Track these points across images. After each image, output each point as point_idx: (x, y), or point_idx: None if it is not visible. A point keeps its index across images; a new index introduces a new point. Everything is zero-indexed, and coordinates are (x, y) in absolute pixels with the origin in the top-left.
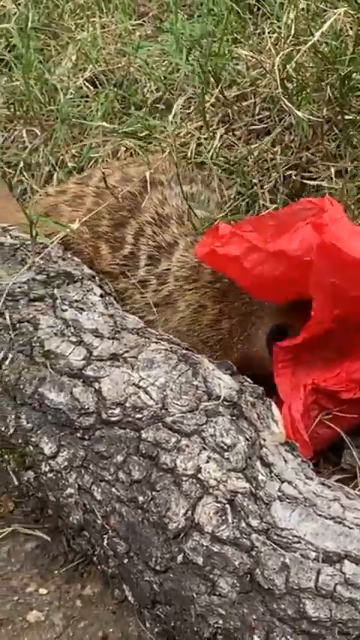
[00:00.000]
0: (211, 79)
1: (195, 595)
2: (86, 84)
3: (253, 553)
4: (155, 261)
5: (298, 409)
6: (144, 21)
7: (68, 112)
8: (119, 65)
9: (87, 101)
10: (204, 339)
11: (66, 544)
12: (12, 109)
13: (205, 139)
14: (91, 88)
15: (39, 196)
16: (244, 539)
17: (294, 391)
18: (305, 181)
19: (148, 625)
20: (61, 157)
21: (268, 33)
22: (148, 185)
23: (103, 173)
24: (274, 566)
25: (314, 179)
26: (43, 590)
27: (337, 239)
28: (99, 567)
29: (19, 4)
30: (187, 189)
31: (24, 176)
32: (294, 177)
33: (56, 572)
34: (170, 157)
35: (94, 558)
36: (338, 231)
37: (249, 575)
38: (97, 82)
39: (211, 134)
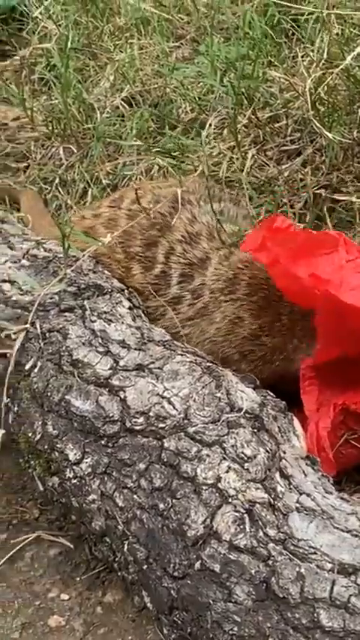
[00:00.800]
0: (245, 100)
1: (211, 602)
2: (122, 103)
3: (270, 562)
4: (188, 278)
5: (326, 427)
6: (181, 43)
7: (104, 131)
8: (155, 86)
9: (123, 120)
10: (242, 352)
11: (88, 552)
12: (50, 127)
13: (237, 158)
14: (127, 107)
15: (75, 219)
16: (261, 549)
17: (321, 408)
18: (336, 198)
19: (165, 631)
20: (95, 174)
21: (302, 57)
22: (179, 204)
23: (137, 194)
24: (289, 576)
25: (344, 200)
26: (64, 596)
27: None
28: (119, 574)
29: (59, 24)
30: (216, 207)
31: (59, 192)
32: (324, 197)
33: (78, 579)
34: (200, 176)
35: (115, 564)
36: (346, 276)
37: (265, 584)
38: (133, 102)
39: (243, 154)
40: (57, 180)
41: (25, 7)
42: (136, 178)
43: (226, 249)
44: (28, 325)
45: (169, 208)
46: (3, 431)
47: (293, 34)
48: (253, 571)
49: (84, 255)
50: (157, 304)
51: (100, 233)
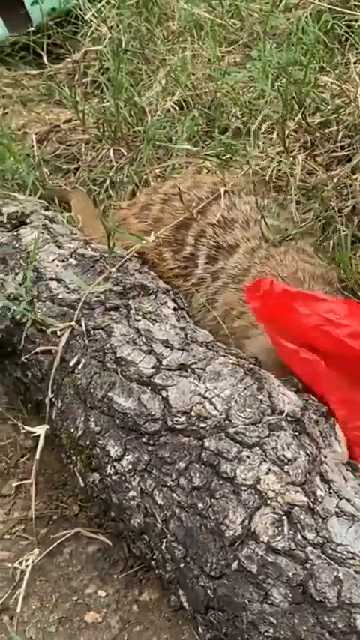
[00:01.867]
0: (295, 105)
1: (247, 602)
2: (173, 106)
3: (307, 565)
4: (213, 260)
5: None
6: (233, 48)
7: (154, 134)
8: (207, 90)
9: (173, 124)
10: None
11: (126, 549)
12: (101, 130)
13: (285, 163)
14: (178, 110)
15: (113, 210)
16: (299, 551)
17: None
18: None
19: (200, 631)
20: (144, 177)
21: (355, 63)
22: (222, 195)
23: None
24: (327, 580)
25: None
26: (101, 593)
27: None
28: (157, 572)
29: (113, 28)
30: (260, 201)
31: (109, 194)
32: None
33: (115, 576)
34: (247, 175)
35: (153, 562)
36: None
37: (302, 587)
38: (184, 105)
39: (292, 159)
40: (106, 182)
41: (81, 10)
42: None
43: (256, 242)
44: (73, 323)
45: (207, 193)
46: (46, 426)
47: (347, 39)
48: (290, 573)
49: (128, 254)
50: (186, 288)
51: (130, 223)
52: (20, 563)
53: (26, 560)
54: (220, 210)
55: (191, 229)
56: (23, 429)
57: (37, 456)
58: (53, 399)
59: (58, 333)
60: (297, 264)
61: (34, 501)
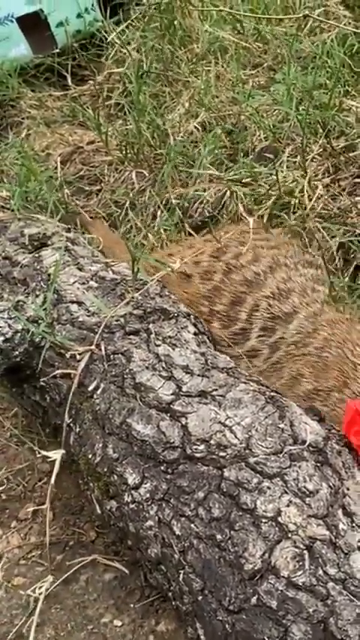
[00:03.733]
0: (320, 129)
1: (266, 638)
2: (196, 126)
3: (329, 602)
4: (269, 332)
5: None
6: (258, 71)
7: (176, 156)
8: (230, 112)
9: (196, 146)
10: None
11: (143, 579)
12: (124, 152)
13: (310, 187)
14: (201, 131)
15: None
16: (320, 587)
17: None
18: None
19: None
20: (166, 199)
21: None
22: (276, 265)
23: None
24: (348, 617)
25: None
26: (117, 622)
27: None
28: (174, 603)
29: (135, 49)
30: (313, 273)
31: (130, 215)
32: None
33: (132, 605)
34: (296, 240)
35: (170, 593)
36: None
37: (322, 624)
38: (208, 128)
39: (315, 185)
40: (128, 204)
41: (105, 33)
42: (206, 203)
43: (317, 307)
44: (93, 347)
45: (265, 267)
46: (62, 451)
47: None
48: (311, 610)
49: (152, 280)
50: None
51: (195, 282)
52: (33, 590)
53: (39, 588)
54: (276, 283)
55: (245, 304)
56: (39, 453)
57: (52, 481)
58: (71, 424)
59: (77, 357)
60: None
61: (50, 527)
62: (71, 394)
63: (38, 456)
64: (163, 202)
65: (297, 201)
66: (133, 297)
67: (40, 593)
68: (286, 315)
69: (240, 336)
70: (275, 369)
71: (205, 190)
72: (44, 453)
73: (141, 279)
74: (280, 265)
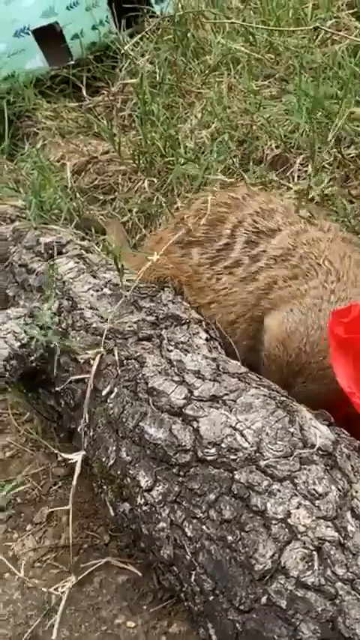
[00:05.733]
0: (330, 137)
1: (276, 637)
2: (207, 135)
3: (337, 601)
4: (252, 245)
5: None
6: (270, 82)
7: (186, 162)
8: (242, 122)
9: (207, 154)
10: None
11: (156, 581)
12: (137, 161)
13: (319, 195)
14: (212, 140)
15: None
16: (329, 587)
17: None
18: None
19: None
20: (176, 206)
21: None
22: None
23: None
24: (356, 616)
25: None
26: (130, 624)
27: None
28: (186, 604)
29: (149, 60)
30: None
31: (142, 223)
32: None
33: (145, 607)
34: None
35: (182, 594)
36: None
37: (331, 623)
38: (218, 138)
39: (322, 191)
40: (141, 213)
41: (119, 45)
42: None
43: (300, 226)
44: (101, 349)
45: (242, 194)
46: (82, 452)
47: None
48: (319, 609)
49: (139, 274)
50: (210, 274)
51: (164, 239)
52: (56, 589)
53: (62, 587)
54: (258, 203)
55: (227, 223)
56: (60, 456)
57: (75, 481)
58: (85, 428)
59: (91, 361)
60: (345, 250)
61: (65, 530)
62: (87, 398)
63: (59, 459)
64: (172, 209)
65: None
66: (126, 297)
67: (62, 592)
68: (270, 230)
69: (223, 252)
70: (253, 276)
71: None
72: (65, 455)
73: (153, 285)
74: (256, 193)
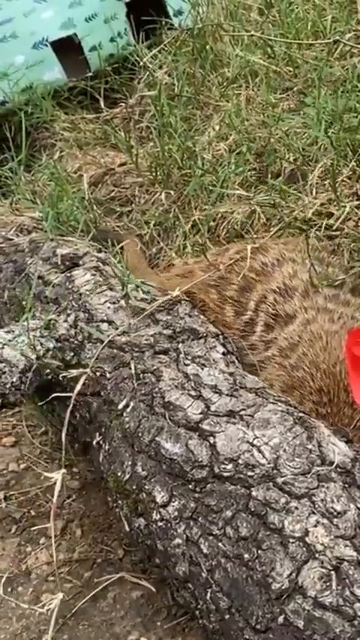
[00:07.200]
0: (349, 152)
1: None
2: (225, 147)
3: (355, 622)
4: (269, 329)
5: None
6: (288, 95)
7: (204, 178)
8: (260, 135)
9: (225, 167)
10: None
11: (170, 597)
12: (154, 174)
13: (337, 209)
14: (230, 152)
15: (178, 262)
16: (347, 608)
17: None
18: None
19: None
20: (193, 219)
21: None
22: (282, 258)
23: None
24: None
25: None
26: None
27: None
28: (200, 622)
29: (167, 73)
30: (319, 269)
31: (159, 236)
32: None
33: (159, 623)
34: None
35: (197, 612)
36: None
37: None
38: (236, 151)
39: (344, 207)
40: (158, 225)
41: (138, 57)
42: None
43: (312, 314)
44: (87, 370)
45: (272, 260)
46: (63, 471)
47: None
48: (337, 630)
49: (152, 307)
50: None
51: (197, 275)
52: (43, 606)
53: (50, 604)
54: (282, 277)
55: (254, 293)
56: (41, 475)
57: (55, 499)
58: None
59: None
60: (338, 354)
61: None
62: (66, 418)
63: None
64: (189, 222)
65: (324, 222)
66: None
67: (47, 610)
68: (287, 316)
69: (249, 327)
70: (259, 367)
71: (233, 212)
72: (46, 474)
73: (170, 300)
74: (286, 260)
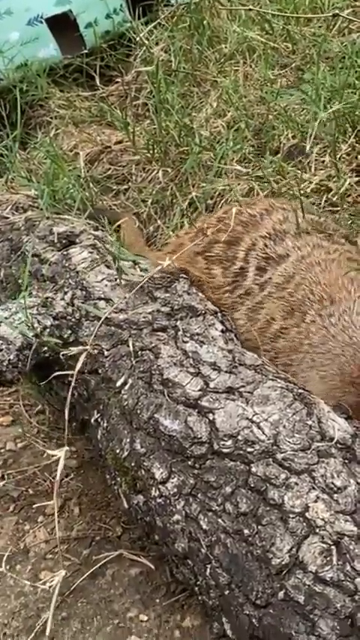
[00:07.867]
0: (348, 127)
1: (294, 633)
2: (223, 124)
3: (356, 597)
4: (261, 272)
5: None
6: (286, 71)
7: (202, 154)
8: (258, 112)
9: (223, 144)
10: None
11: (169, 574)
12: (151, 151)
13: (336, 186)
14: (228, 129)
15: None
16: (348, 582)
17: None
18: None
19: None
20: (190, 196)
21: None
22: (272, 207)
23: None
24: None
25: None
26: (143, 617)
27: None
28: (200, 598)
29: (166, 51)
30: (312, 217)
31: (157, 214)
32: None
33: (158, 600)
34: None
35: (196, 588)
36: None
37: (350, 619)
38: (234, 127)
39: (343, 181)
40: (155, 203)
41: (134, 33)
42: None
43: (307, 250)
44: (88, 347)
45: (261, 210)
46: (66, 448)
47: None
48: (338, 605)
49: (146, 277)
50: (233, 300)
51: (186, 245)
52: (44, 583)
53: (51, 581)
54: (272, 223)
55: (242, 244)
56: (39, 453)
57: (58, 476)
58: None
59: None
60: (340, 271)
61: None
62: (68, 398)
63: (43, 456)
64: (187, 200)
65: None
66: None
67: (49, 587)
68: (279, 256)
69: (239, 277)
70: (257, 308)
71: (231, 188)
72: (49, 451)
73: (169, 275)
74: (276, 208)
